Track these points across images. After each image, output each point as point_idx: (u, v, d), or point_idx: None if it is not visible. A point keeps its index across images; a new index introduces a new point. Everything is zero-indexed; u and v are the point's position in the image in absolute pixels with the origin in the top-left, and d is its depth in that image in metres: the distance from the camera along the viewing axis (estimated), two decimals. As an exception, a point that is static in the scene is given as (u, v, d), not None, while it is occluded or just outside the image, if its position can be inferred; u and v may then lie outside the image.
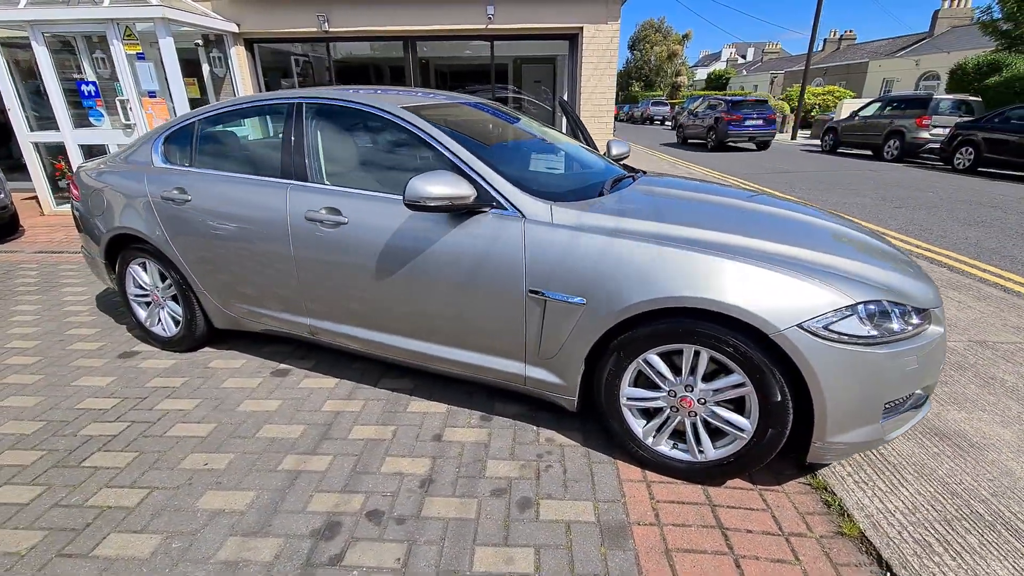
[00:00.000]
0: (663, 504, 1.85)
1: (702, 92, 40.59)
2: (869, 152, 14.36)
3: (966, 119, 11.74)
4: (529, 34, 7.18)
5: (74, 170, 3.31)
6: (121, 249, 2.98)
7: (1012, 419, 2.31)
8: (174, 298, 2.98)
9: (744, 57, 73.98)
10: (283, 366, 2.88)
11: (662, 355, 1.86)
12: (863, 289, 1.68)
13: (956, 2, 29.92)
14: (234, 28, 7.11)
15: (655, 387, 1.93)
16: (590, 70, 7.14)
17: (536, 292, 1.95)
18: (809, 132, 21.65)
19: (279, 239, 2.40)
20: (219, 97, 7.54)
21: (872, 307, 1.67)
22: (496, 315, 2.05)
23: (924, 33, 31.37)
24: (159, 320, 3.08)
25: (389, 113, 2.27)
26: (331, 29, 7.14)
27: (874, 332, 1.64)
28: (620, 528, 1.74)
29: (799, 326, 1.61)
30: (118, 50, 5.96)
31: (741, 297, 1.65)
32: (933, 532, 1.70)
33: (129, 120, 6.22)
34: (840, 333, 1.61)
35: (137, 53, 6.01)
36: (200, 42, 7.20)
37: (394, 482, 1.97)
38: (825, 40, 41.04)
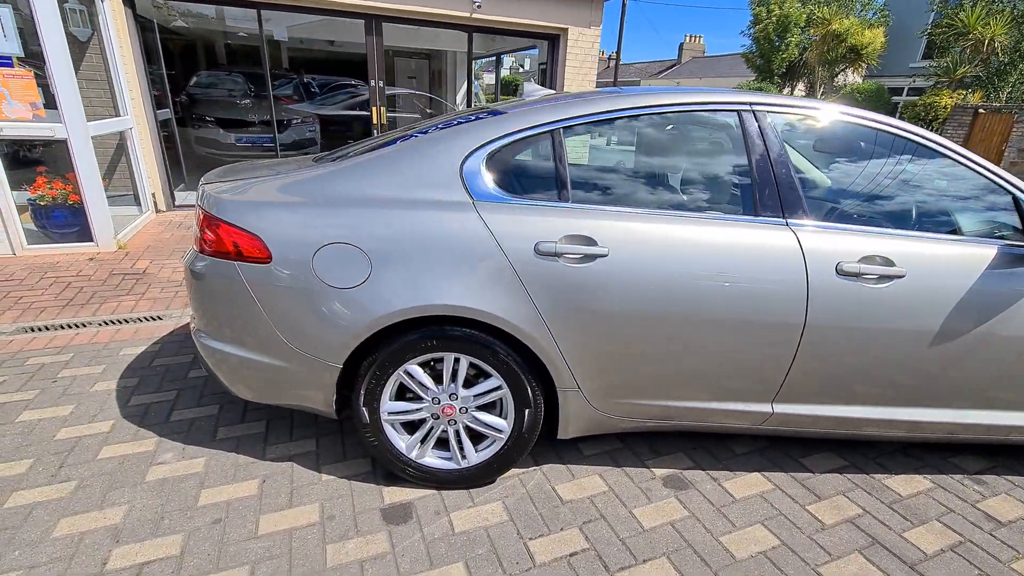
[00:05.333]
0: None
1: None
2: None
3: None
4: (511, 30, 6.53)
5: (210, 208, 1.78)
6: (373, 347, 1.73)
7: None
8: (487, 407, 1.87)
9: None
10: (660, 471, 2.06)
11: None
12: None
13: (693, 39, 37.65)
14: (109, -29, 4.77)
15: None
16: (572, 72, 6.87)
17: None
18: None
19: (778, 302, 1.69)
20: (78, 71, 4.99)
21: None
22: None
23: (673, 60, 38.76)
24: (439, 445, 1.90)
25: (922, 137, 1.79)
26: (268, -8, 5.35)
27: None
28: None
29: None
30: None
31: None
32: None
33: (-46, 100, 3.67)
34: None
35: (-26, -11, 3.57)
36: (49, -16, 4.60)
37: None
38: (597, 60, 47.67)
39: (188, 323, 3.24)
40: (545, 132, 1.74)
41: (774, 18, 18.48)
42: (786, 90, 20.75)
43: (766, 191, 1.75)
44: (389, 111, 12.08)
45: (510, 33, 6.58)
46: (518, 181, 1.75)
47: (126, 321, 3.25)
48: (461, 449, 1.89)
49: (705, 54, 37.70)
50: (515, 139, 1.74)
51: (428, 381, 1.80)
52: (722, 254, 1.68)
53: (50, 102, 4.00)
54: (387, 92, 13.11)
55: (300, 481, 1.94)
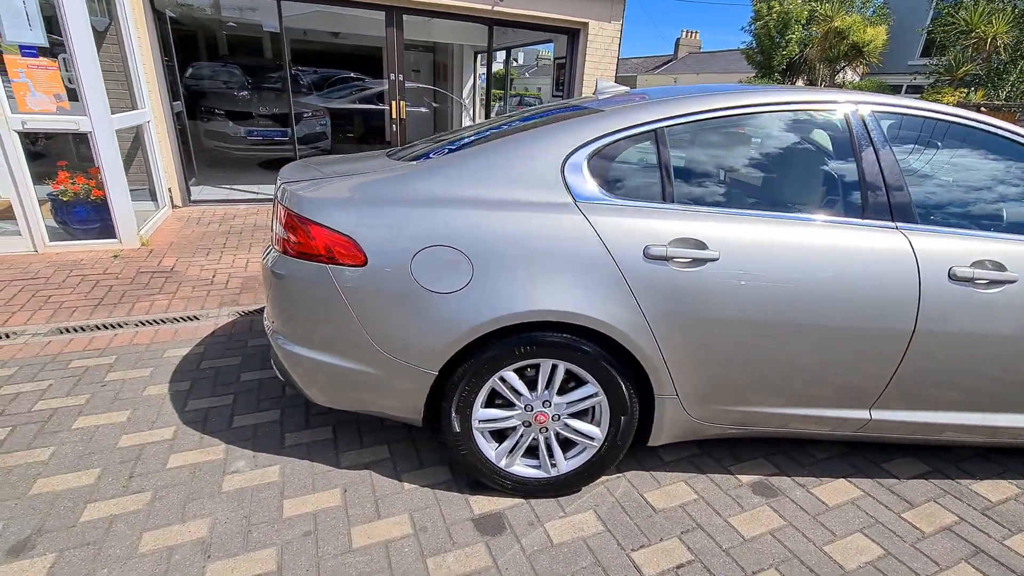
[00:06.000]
0: None
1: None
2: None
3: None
4: (532, 23, 6.43)
5: (296, 207, 1.70)
6: (468, 352, 1.67)
7: None
8: (578, 414, 1.82)
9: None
10: (745, 478, 2.02)
11: None
12: None
13: (690, 35, 37.64)
14: (128, -43, 4.62)
15: None
16: (592, 67, 6.78)
17: None
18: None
19: (890, 308, 1.65)
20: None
21: None
22: None
23: (670, 55, 38.74)
24: (526, 453, 1.85)
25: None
26: (289, -17, 5.21)
27: None
28: None
29: None
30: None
31: None
32: None
33: (-25, 91, 3.52)
34: None
35: (-3, -25, 3.42)
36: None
37: None
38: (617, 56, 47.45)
39: (228, 323, 3.16)
40: (649, 131, 1.68)
41: (775, 14, 18.48)
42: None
43: (875, 192, 1.70)
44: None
45: (531, 27, 6.48)
46: (620, 181, 1.69)
47: (163, 321, 3.16)
48: (551, 457, 1.84)
49: (701, 50, 37.72)
50: (618, 138, 1.68)
51: (523, 388, 1.74)
52: (834, 258, 1.64)
53: (69, 95, 3.87)
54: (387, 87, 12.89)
55: (382, 490, 1.88)
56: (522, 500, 1.87)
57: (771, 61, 19.67)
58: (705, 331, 1.65)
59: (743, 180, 1.77)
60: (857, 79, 20.67)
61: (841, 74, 19.33)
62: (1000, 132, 1.78)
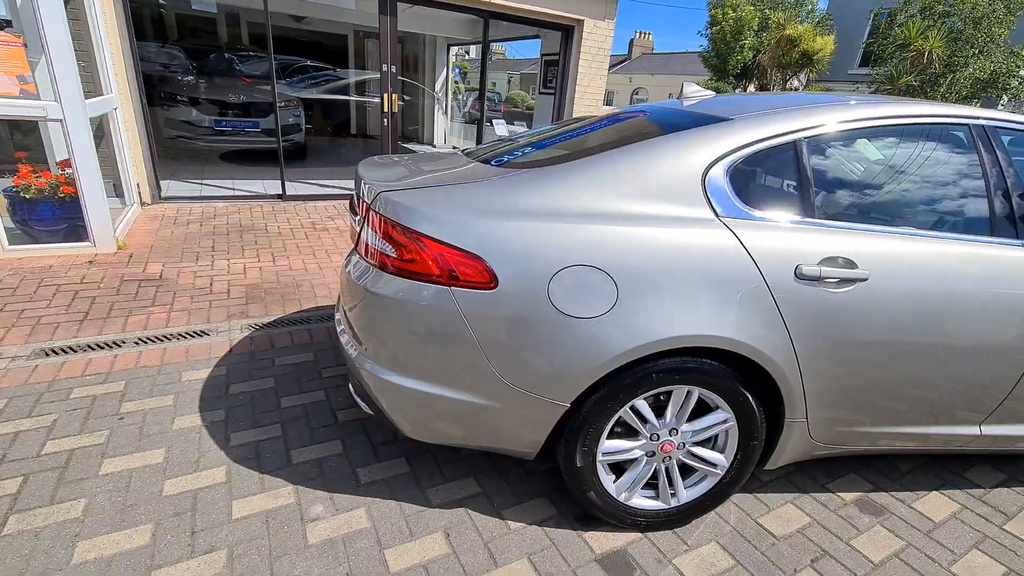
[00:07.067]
0: None
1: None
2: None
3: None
4: (527, 18, 6.23)
5: (399, 218, 1.48)
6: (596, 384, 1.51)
7: None
8: (702, 442, 1.71)
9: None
10: (845, 495, 1.99)
11: None
12: None
13: (643, 36, 38.49)
14: (92, -77, 4.07)
15: None
16: (585, 67, 6.69)
17: None
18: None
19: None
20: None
21: None
22: None
23: (624, 55, 39.46)
24: (645, 484, 1.72)
25: None
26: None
27: None
28: None
29: None
30: None
31: None
32: None
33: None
34: None
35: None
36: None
37: None
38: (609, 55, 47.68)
39: (245, 339, 2.83)
40: (791, 141, 1.59)
41: (730, 20, 19.15)
42: (738, 91, 21.71)
43: (1000, 207, 1.69)
44: (363, 95, 11.34)
45: (526, 21, 6.31)
46: (762, 195, 1.58)
47: (167, 338, 2.79)
48: (671, 487, 1.72)
49: (654, 51, 38.66)
50: (761, 148, 1.57)
51: (652, 416, 1.61)
52: (980, 277, 1.62)
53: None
54: (359, 78, 12.31)
55: (488, 532, 1.70)
56: (638, 534, 1.74)
57: (726, 65, 20.43)
58: (849, 355, 1.58)
59: (887, 195, 1.70)
60: (800, 86, 21.83)
61: (791, 80, 20.37)
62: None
